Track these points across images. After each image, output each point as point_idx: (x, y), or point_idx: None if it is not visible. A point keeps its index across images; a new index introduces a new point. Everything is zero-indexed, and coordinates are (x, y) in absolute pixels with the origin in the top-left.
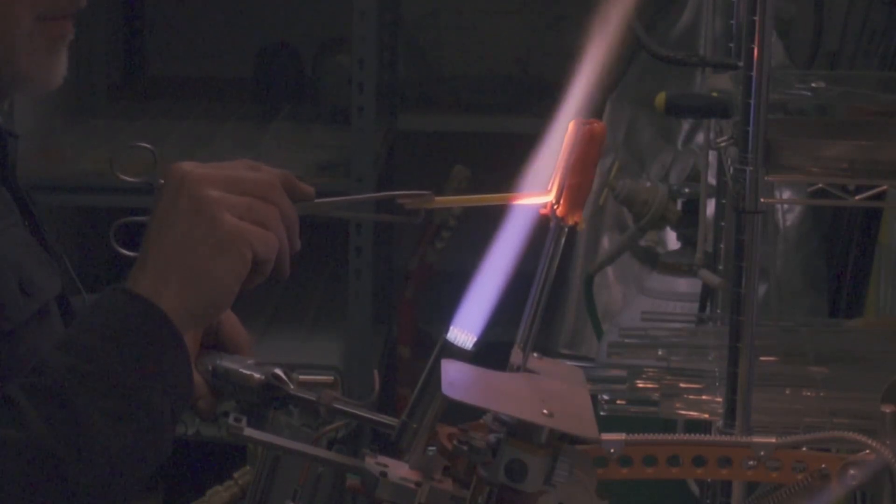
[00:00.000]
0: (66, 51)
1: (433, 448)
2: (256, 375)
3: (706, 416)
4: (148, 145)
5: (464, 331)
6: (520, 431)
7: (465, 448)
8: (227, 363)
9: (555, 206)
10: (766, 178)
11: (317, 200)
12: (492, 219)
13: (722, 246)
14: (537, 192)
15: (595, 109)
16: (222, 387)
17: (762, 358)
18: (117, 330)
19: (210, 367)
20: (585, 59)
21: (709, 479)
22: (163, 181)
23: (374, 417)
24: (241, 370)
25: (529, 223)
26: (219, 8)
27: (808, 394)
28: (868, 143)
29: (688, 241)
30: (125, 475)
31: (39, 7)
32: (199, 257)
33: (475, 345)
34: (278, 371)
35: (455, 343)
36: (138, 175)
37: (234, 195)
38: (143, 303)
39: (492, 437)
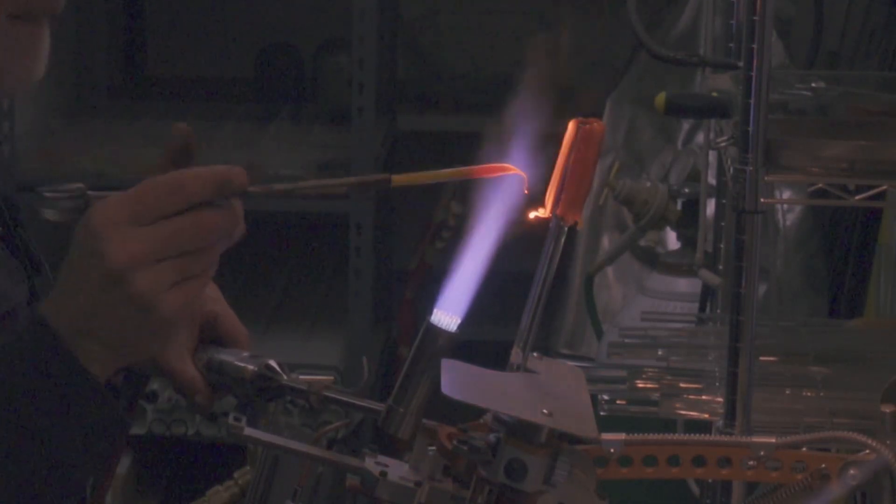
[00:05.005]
0: (43, 51)
1: (433, 448)
2: (250, 367)
3: (706, 416)
4: (80, 185)
5: (447, 313)
6: (519, 431)
7: (465, 448)
8: (223, 356)
9: (556, 211)
10: (766, 178)
11: (274, 185)
12: None
13: (722, 246)
14: (497, 165)
15: (595, 109)
16: (218, 380)
17: (762, 358)
18: (25, 370)
19: (205, 361)
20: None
21: (709, 479)
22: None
23: (361, 404)
24: (235, 362)
25: (510, 207)
26: (219, 8)
27: (808, 394)
28: (868, 143)
29: (688, 241)
30: None
31: (9, 7)
32: (126, 336)
33: (471, 337)
34: (271, 362)
35: (439, 326)
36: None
37: (164, 268)
38: (52, 340)
39: (492, 437)
